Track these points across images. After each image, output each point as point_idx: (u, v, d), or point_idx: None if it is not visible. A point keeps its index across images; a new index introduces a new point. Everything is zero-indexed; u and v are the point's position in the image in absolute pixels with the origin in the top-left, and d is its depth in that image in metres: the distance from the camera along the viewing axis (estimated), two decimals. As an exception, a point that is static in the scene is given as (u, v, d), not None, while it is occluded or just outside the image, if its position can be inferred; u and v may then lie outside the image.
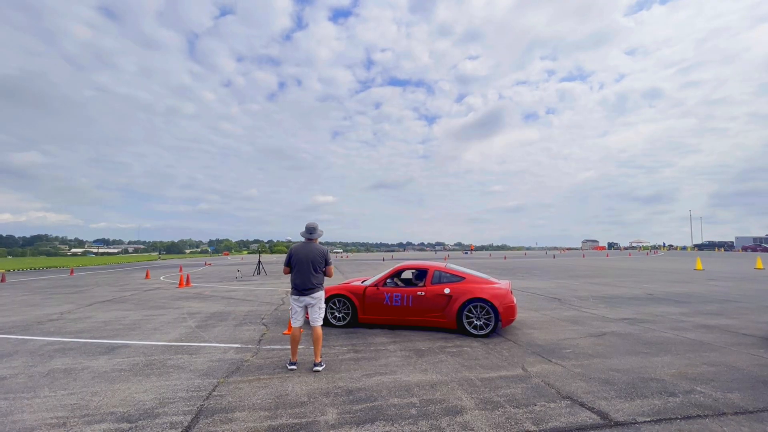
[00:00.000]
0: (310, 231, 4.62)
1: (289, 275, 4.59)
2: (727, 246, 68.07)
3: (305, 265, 4.48)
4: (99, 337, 6.09)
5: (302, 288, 4.45)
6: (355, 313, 6.57)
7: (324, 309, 4.67)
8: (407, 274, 7.87)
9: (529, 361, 4.48)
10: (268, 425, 2.94)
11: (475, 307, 5.90)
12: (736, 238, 74.99)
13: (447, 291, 6.18)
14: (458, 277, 6.45)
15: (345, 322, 6.53)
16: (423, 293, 6.30)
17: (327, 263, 4.58)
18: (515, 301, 6.08)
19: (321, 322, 4.52)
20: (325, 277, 4.65)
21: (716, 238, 79.73)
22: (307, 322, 6.19)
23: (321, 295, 4.54)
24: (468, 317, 5.92)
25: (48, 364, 4.68)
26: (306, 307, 4.53)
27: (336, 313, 6.64)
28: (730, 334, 5.73)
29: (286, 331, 6.10)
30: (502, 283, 6.38)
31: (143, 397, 3.55)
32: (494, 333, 5.94)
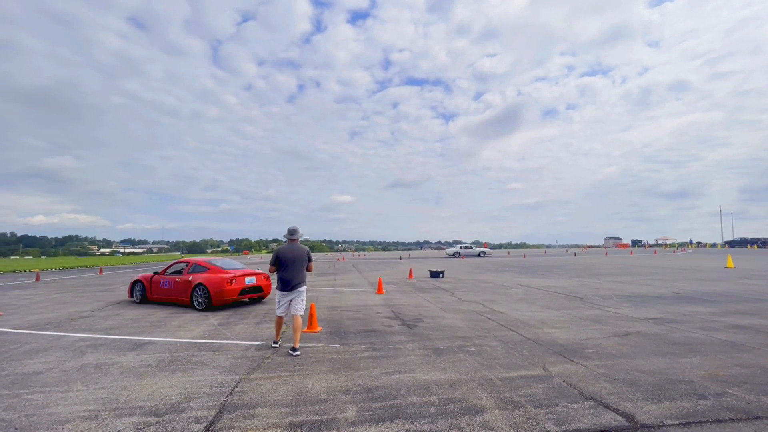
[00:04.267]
0: (292, 233, 5.23)
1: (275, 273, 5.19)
2: (761, 242, 64.92)
3: (294, 263, 5.08)
4: (127, 333, 6.33)
5: (292, 284, 5.07)
6: (145, 293, 9.55)
7: (305, 300, 5.28)
8: (180, 266, 9.78)
9: (550, 361, 4.40)
10: (289, 421, 2.99)
11: (197, 288, 8.44)
12: (771, 234, 71.36)
13: (191, 278, 8.74)
14: (206, 268, 8.95)
15: (139, 300, 9.70)
16: (179, 280, 9.00)
17: (309, 260, 5.27)
18: (230, 286, 8.40)
19: (302, 312, 5.15)
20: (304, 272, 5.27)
21: (749, 235, 76.29)
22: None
23: (304, 289, 5.21)
24: (195, 296, 8.42)
25: (80, 359, 4.90)
26: (290, 300, 5.11)
27: (136, 294, 9.83)
28: (764, 334, 5.47)
29: (305, 329, 6.18)
30: (233, 272, 8.77)
31: (169, 392, 3.67)
32: (213, 308, 8.35)
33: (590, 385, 3.62)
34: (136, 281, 9.91)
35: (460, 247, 39.87)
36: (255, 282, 9.15)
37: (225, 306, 8.87)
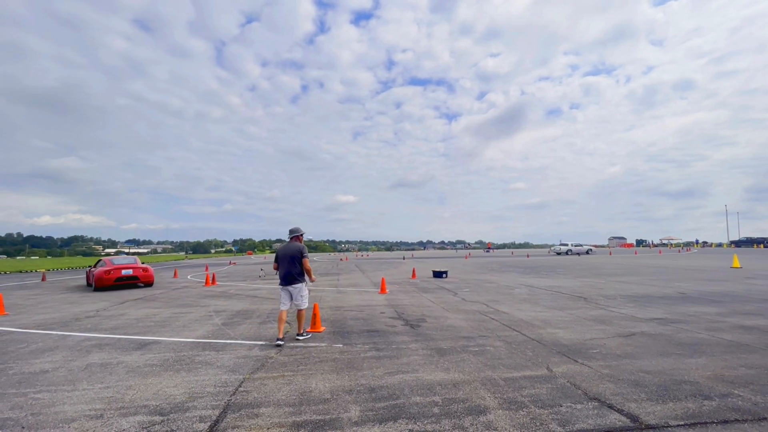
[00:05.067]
0: (291, 232, 5.78)
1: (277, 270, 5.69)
2: (767, 242, 64.20)
3: (286, 260, 5.55)
4: (132, 333, 6.37)
5: (285, 279, 5.53)
6: (88, 280, 14.56)
7: (306, 296, 5.64)
8: (102, 263, 14.14)
9: (554, 361, 4.39)
10: (292, 421, 3.00)
11: (91, 276, 13.27)
12: (777, 233, 70.54)
13: (94, 270, 13.26)
14: (104, 263, 13.63)
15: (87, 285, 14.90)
16: (94, 271, 13.30)
17: (302, 256, 5.56)
18: (107, 276, 13.01)
19: (304, 306, 5.59)
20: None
21: (755, 234, 75.50)
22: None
23: (301, 284, 5.57)
24: (91, 282, 13.45)
25: (86, 358, 4.93)
26: (291, 294, 5.56)
27: (87, 281, 14.87)
28: (771, 335, 5.42)
29: (309, 329, 6.19)
30: (113, 266, 13.55)
31: (174, 391, 3.69)
32: (97, 289, 13.08)
33: (594, 386, 3.60)
34: (87, 273, 15.10)
35: (572, 245, 42.15)
36: (131, 273, 13.62)
37: (223, 306, 8.99)
